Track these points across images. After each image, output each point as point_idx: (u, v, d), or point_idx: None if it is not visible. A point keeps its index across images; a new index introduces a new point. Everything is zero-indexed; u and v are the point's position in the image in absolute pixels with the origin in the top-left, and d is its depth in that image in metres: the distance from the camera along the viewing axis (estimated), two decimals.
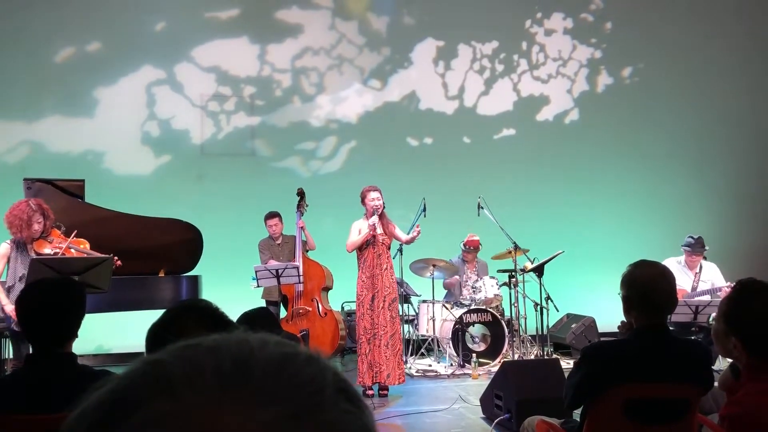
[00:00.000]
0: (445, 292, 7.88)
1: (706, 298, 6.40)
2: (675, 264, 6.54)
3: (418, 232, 6.02)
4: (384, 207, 6.00)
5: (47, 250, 4.97)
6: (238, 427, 0.41)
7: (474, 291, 7.43)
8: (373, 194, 6.00)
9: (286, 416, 0.42)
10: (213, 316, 1.59)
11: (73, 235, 5.10)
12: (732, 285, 6.20)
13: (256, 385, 0.43)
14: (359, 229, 6.01)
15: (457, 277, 7.74)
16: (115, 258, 5.07)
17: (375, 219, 5.92)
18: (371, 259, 5.94)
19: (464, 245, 7.76)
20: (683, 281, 6.55)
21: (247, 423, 0.41)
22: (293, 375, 0.44)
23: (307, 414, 0.42)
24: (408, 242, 6.22)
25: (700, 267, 6.71)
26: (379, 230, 5.96)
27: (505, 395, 4.75)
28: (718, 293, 6.41)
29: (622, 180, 9.35)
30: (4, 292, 4.90)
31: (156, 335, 1.60)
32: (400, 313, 6.46)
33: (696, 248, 6.61)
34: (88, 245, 5.21)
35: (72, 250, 5.08)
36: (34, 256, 4.99)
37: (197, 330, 1.49)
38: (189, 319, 1.58)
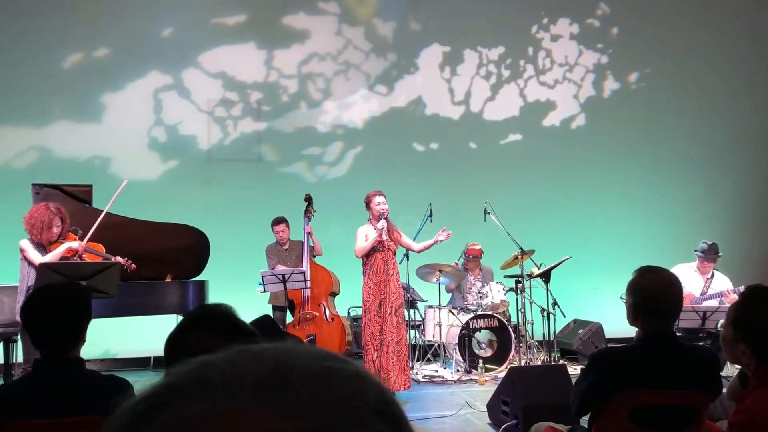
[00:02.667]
0: (449, 296, 7.86)
1: (714, 303, 6.36)
2: (687, 270, 6.51)
3: (448, 235, 6.01)
4: (388, 212, 6.01)
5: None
6: None
7: (480, 297, 7.41)
8: (379, 198, 6.00)
9: (313, 428, 0.42)
10: (230, 323, 1.58)
11: (87, 238, 5.17)
12: (735, 289, 6.26)
13: (289, 394, 0.43)
14: (366, 234, 6.00)
15: (452, 284, 7.70)
16: (129, 261, 5.12)
17: (384, 223, 5.92)
18: (379, 265, 5.93)
19: (465, 254, 7.74)
20: (694, 285, 6.52)
21: (272, 431, 0.41)
22: (331, 389, 0.44)
23: (336, 429, 0.42)
24: (423, 250, 6.21)
25: (712, 275, 6.66)
26: (385, 236, 5.96)
27: (512, 401, 4.74)
28: (723, 297, 6.39)
29: (628, 185, 9.33)
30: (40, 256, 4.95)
31: (174, 340, 1.60)
32: (407, 319, 6.46)
33: (709, 254, 6.57)
34: (103, 249, 5.28)
35: (90, 254, 5.14)
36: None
37: (212, 336, 1.49)
38: (205, 325, 1.58)
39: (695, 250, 6.66)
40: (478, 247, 7.70)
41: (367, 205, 6.05)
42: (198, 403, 0.42)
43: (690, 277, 6.44)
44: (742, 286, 6.26)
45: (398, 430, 0.46)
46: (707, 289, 6.60)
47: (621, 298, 2.47)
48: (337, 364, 0.46)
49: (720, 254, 6.64)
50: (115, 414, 0.45)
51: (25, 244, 5.02)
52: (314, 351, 0.47)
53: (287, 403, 0.42)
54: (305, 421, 0.42)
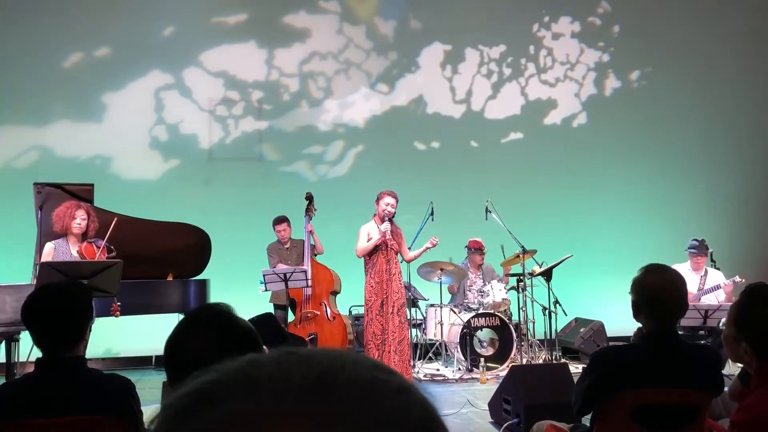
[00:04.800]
0: (450, 295, 7.86)
1: (712, 298, 6.56)
2: (681, 269, 6.58)
3: (434, 244, 6.08)
4: (393, 215, 6.04)
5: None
6: None
7: (481, 295, 7.41)
8: (389, 199, 6.01)
9: None
10: (227, 322, 1.58)
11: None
12: (732, 279, 6.45)
13: (333, 404, 0.42)
14: (368, 233, 6.01)
15: (453, 284, 7.71)
16: (118, 304, 5.14)
17: (387, 225, 5.93)
18: (381, 264, 5.94)
19: (468, 248, 7.75)
20: (690, 284, 6.59)
21: None
22: (376, 401, 0.43)
23: None
24: (412, 260, 6.27)
25: (706, 272, 6.81)
26: (388, 235, 5.97)
27: (514, 400, 4.74)
28: (719, 289, 6.61)
29: (629, 183, 9.32)
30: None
31: (173, 342, 1.60)
32: (408, 318, 6.46)
33: (701, 250, 6.79)
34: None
35: None
36: (74, 253, 5.14)
37: (210, 337, 1.49)
38: (203, 325, 1.58)
39: (687, 248, 6.84)
40: (479, 239, 7.71)
41: (377, 201, 6.07)
42: (242, 402, 0.42)
43: (686, 277, 6.51)
44: (737, 276, 6.43)
45: None
46: (703, 285, 6.74)
47: (629, 292, 2.48)
48: (384, 375, 0.45)
49: (710, 249, 6.82)
50: (162, 405, 0.45)
51: (45, 248, 5.15)
52: (362, 359, 0.46)
53: (331, 411, 0.42)
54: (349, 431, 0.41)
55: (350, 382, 0.43)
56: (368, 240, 6.03)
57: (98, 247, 5.20)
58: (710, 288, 6.69)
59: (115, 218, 5.38)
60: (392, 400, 0.43)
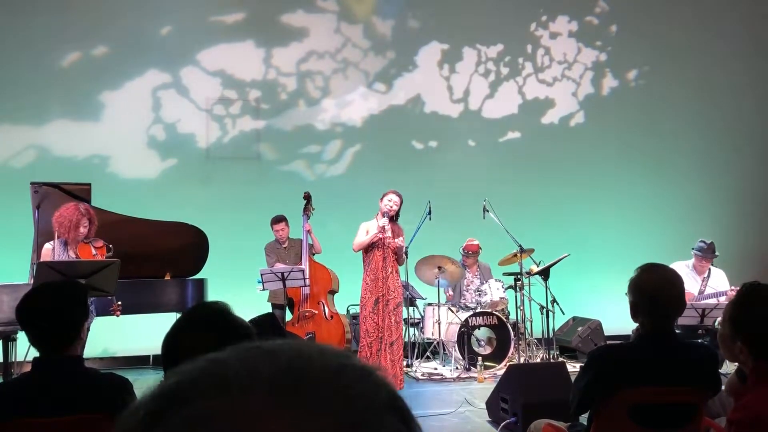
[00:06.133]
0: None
1: (713, 301, 6.38)
2: (683, 268, 6.51)
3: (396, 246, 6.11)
4: (398, 216, 6.04)
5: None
6: None
7: (479, 294, 7.42)
8: (391, 196, 6.03)
9: (335, 427, 0.41)
10: (224, 320, 1.58)
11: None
12: (735, 288, 6.29)
13: (308, 392, 0.42)
14: (367, 229, 6.02)
15: (451, 293, 7.71)
16: (118, 305, 5.11)
17: (385, 221, 5.94)
18: (377, 262, 5.95)
19: (463, 250, 7.74)
20: (691, 285, 6.52)
21: (293, 430, 0.40)
22: (347, 387, 0.43)
23: (358, 427, 0.42)
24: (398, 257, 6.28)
25: (709, 273, 6.67)
26: (389, 233, 5.97)
27: (511, 399, 4.74)
28: (723, 296, 6.41)
29: (627, 183, 9.33)
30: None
31: (170, 340, 1.60)
32: (405, 317, 6.46)
33: (707, 253, 6.56)
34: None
35: None
36: (72, 255, 5.10)
37: (207, 334, 1.49)
38: (200, 323, 1.58)
39: (693, 249, 6.66)
40: (475, 242, 7.70)
41: (381, 199, 6.10)
42: (212, 400, 0.41)
43: (687, 276, 6.44)
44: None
45: (410, 425, 0.45)
46: (704, 287, 6.62)
47: (626, 293, 2.48)
48: (347, 361, 0.46)
49: (717, 254, 6.64)
50: (125, 412, 0.44)
51: (45, 250, 5.12)
52: (326, 348, 0.47)
53: (307, 401, 0.42)
54: (327, 421, 0.41)
55: (320, 370, 0.44)
56: (366, 235, 6.04)
57: (96, 248, 5.19)
58: (713, 293, 6.47)
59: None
60: (361, 384, 0.44)
